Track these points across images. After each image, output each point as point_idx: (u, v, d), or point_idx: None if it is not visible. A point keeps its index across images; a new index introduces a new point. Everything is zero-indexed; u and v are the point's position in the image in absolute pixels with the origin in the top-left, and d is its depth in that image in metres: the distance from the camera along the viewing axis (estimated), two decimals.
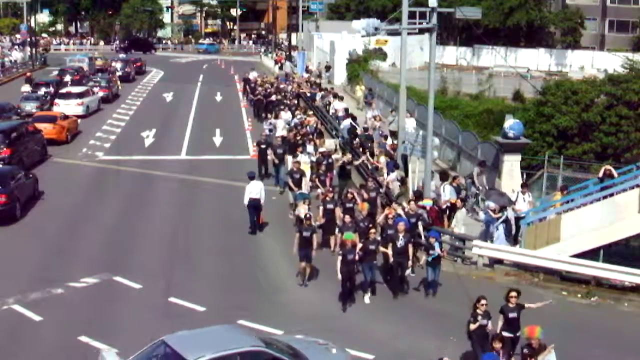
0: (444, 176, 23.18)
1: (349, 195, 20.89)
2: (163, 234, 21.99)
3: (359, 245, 17.13)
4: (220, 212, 24.15)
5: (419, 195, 21.26)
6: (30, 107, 39.14)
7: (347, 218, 18.57)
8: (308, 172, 24.54)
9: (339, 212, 20.22)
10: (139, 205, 24.85)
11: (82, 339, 14.91)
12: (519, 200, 21.28)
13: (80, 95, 40.67)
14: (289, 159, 26.07)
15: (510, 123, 24.03)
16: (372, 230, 17.64)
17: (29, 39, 69.23)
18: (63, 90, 41.84)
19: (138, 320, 16.04)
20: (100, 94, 44.63)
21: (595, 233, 19.87)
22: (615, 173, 21.90)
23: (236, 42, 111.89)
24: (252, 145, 33.10)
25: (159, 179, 28.49)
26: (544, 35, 73.33)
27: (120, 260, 19.57)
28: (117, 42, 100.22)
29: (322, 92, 41.86)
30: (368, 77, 46.43)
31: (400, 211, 19.44)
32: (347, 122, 31.14)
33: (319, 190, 22.80)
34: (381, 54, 55.59)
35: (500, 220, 20.21)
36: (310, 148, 26.68)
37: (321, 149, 26.57)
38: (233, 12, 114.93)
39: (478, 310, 13.82)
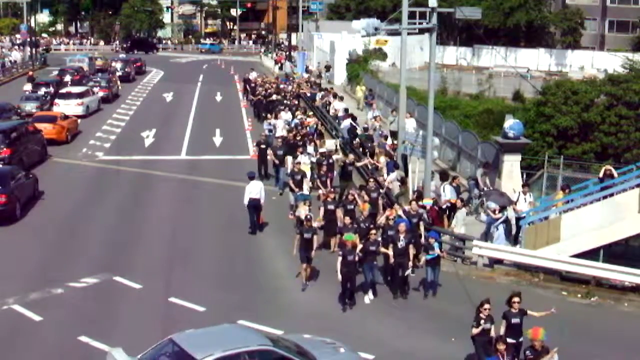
0: (444, 176, 23.19)
1: (350, 197, 20.88)
2: (163, 234, 21.98)
3: (360, 246, 17.11)
4: (220, 212, 24.14)
5: (419, 195, 21.25)
6: (30, 107, 39.17)
7: (347, 220, 18.57)
8: (308, 173, 24.54)
9: (339, 213, 20.20)
10: (139, 205, 24.86)
11: (82, 339, 14.91)
12: (520, 201, 21.24)
13: (80, 95, 40.68)
14: (289, 160, 26.08)
15: (510, 123, 24.02)
16: (373, 231, 17.61)
17: (29, 39, 69.23)
18: (63, 90, 41.84)
19: (138, 320, 16.04)
20: (100, 94, 44.65)
21: (595, 233, 19.86)
22: (615, 173, 21.91)
23: (236, 42, 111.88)
24: (252, 145, 33.10)
25: (158, 179, 28.49)
26: (544, 35, 73.41)
27: (120, 260, 19.57)
28: (119, 42, 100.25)
29: (322, 92, 41.87)
30: (368, 77, 46.42)
31: (401, 212, 19.43)
32: (347, 122, 31.12)
33: (320, 191, 22.79)
34: (381, 54, 55.58)
35: (501, 220, 20.23)
36: (310, 149, 26.68)
37: (321, 150, 26.57)
38: (233, 12, 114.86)
39: (481, 315, 13.66)
